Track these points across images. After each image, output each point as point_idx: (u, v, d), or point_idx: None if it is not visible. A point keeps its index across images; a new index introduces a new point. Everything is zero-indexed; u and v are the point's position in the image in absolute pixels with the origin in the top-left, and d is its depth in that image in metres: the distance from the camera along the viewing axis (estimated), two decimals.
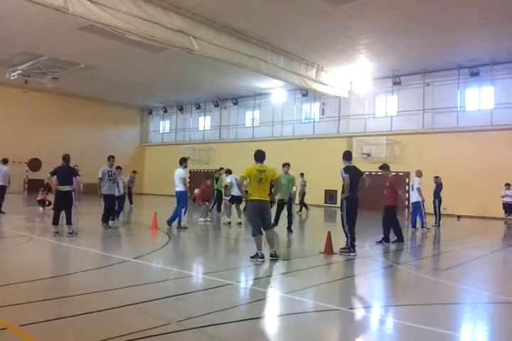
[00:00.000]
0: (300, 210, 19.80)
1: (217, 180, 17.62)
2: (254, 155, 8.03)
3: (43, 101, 29.35)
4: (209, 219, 14.56)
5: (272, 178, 7.90)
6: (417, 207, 13.78)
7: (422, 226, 13.64)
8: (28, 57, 21.11)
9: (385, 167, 11.04)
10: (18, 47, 19.74)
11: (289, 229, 12.31)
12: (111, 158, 11.97)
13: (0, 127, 26.95)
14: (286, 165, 12.63)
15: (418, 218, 13.87)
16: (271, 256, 7.74)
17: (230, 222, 13.80)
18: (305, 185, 20.33)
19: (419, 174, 14.13)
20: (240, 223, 13.67)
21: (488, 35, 16.80)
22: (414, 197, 13.89)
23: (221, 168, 17.87)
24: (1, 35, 18.03)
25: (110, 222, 11.89)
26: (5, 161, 15.21)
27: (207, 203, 14.82)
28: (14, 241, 9.42)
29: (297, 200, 18.51)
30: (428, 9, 14.47)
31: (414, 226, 13.87)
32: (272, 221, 12.40)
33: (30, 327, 4.01)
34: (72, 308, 4.70)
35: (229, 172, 15.06)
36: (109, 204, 11.70)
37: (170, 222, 12.16)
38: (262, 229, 7.80)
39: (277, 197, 11.91)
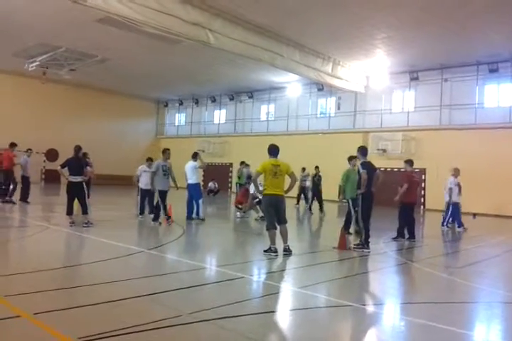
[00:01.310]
0: (297, 203, 19.65)
1: (239, 174, 17.52)
2: (268, 149, 8.01)
3: (61, 93, 29.63)
4: (246, 216, 13.85)
5: (287, 172, 7.86)
6: (451, 207, 13.25)
7: (442, 225, 13.30)
8: (46, 48, 21.31)
9: (409, 161, 10.94)
10: (36, 38, 19.93)
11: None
12: (166, 151, 11.34)
13: (19, 117, 27.31)
14: (353, 158, 10.71)
15: (450, 217, 13.35)
16: (284, 250, 7.72)
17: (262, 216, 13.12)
18: (305, 180, 19.33)
19: (453, 172, 13.50)
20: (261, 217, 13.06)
21: (508, 31, 16.49)
22: (446, 196, 13.40)
23: (243, 162, 17.76)
24: (19, 27, 18.21)
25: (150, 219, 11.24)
26: (26, 151, 15.34)
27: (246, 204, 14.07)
28: (31, 230, 9.57)
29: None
30: (447, 4, 14.24)
31: (459, 226, 13.20)
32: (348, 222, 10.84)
33: (44, 316, 4.07)
34: (86, 298, 4.75)
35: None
36: (160, 200, 11.03)
37: (190, 216, 12.05)
38: (277, 224, 7.80)
39: (352, 196, 10.23)
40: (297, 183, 16.60)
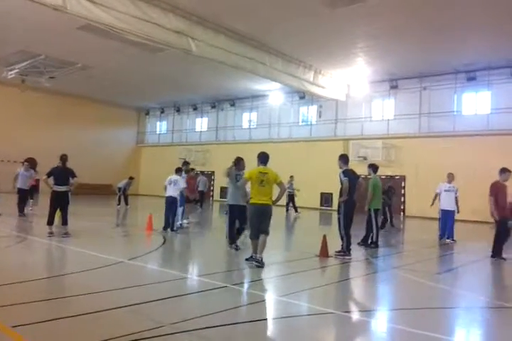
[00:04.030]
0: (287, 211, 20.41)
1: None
2: (258, 156, 7.88)
3: (40, 101, 29.21)
4: (187, 222, 13.36)
5: (275, 181, 7.64)
6: (440, 214, 12.38)
7: (442, 237, 12.28)
8: (25, 56, 21.04)
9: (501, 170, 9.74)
10: (15, 46, 19.66)
11: (376, 244, 10.31)
12: (241, 161, 9.42)
13: None
14: (372, 165, 10.96)
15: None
16: (257, 262, 7.37)
17: None
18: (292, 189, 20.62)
19: (447, 178, 12.53)
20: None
21: (485, 40, 16.86)
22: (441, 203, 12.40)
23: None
24: None
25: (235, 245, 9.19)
26: (23, 163, 14.78)
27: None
28: (8, 241, 9.37)
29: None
30: (425, 13, 14.51)
31: (442, 236, 12.28)
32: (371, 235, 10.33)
33: (22, 328, 3.98)
34: (66, 309, 4.67)
35: None
36: (234, 217, 9.21)
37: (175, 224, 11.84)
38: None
39: (376, 207, 10.37)
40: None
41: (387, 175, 22.40)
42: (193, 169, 14.28)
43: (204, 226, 14.85)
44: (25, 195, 14.52)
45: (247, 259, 7.63)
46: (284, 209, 20.24)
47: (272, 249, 8.59)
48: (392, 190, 15.36)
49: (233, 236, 9.25)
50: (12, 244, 8.88)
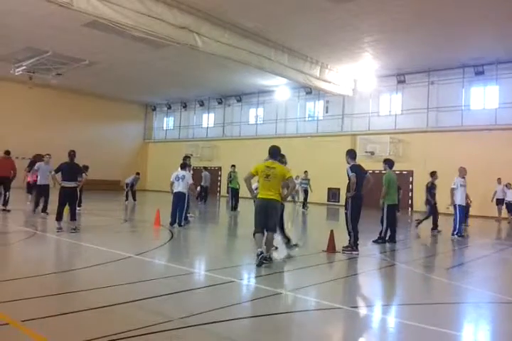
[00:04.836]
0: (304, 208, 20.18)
1: (230, 177, 17.19)
2: (268, 150, 7.61)
3: (48, 97, 29.39)
4: (191, 215, 13.58)
5: (283, 177, 7.28)
6: (456, 210, 11.79)
7: (452, 234, 11.78)
8: (32, 53, 21.15)
9: None
10: (22, 43, 19.77)
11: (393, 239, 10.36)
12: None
13: (5, 122, 27.02)
14: (387, 160, 10.93)
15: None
16: (264, 259, 7.18)
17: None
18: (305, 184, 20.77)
19: (458, 172, 12.19)
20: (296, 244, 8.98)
21: (494, 34, 16.72)
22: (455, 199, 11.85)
23: (233, 166, 17.68)
24: (5, 31, 18.05)
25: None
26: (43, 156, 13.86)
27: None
28: (17, 236, 9.44)
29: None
30: (433, 7, 14.41)
31: (457, 233, 11.72)
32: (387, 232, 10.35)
33: (32, 323, 4.02)
34: (74, 304, 4.70)
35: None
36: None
37: (184, 220, 11.84)
38: (265, 230, 7.36)
39: (389, 202, 10.37)
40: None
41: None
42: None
43: (211, 222, 14.88)
44: (47, 191, 13.51)
45: (258, 255, 7.50)
46: (302, 204, 20.36)
47: (279, 244, 8.58)
48: (433, 187, 13.47)
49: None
50: (21, 240, 8.94)
